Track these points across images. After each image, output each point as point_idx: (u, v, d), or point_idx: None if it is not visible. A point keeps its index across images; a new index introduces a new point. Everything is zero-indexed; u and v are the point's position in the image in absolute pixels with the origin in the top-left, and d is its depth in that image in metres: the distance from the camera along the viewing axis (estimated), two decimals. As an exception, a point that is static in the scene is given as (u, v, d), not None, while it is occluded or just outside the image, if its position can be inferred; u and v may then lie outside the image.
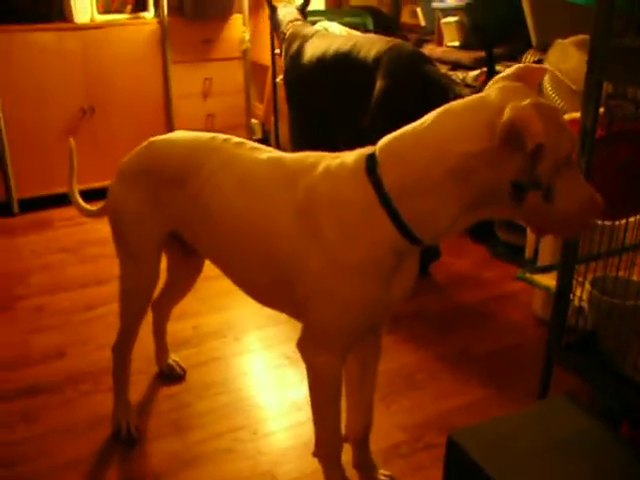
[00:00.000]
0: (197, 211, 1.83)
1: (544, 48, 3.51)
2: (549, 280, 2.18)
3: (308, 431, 2.07)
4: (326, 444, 1.84)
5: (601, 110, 1.90)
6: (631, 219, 2.11)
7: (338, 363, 1.70)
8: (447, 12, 4.04)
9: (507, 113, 1.28)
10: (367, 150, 1.56)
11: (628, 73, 1.68)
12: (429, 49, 4.30)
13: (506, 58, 3.78)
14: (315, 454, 1.87)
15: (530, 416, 1.78)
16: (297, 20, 3.65)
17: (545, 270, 2.25)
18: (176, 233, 2.01)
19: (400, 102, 2.72)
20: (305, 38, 3.40)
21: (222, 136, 1.90)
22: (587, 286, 1.99)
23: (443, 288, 3.22)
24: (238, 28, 4.77)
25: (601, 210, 1.42)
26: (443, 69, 3.94)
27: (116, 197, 2.02)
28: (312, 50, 3.29)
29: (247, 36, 4.81)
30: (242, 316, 2.94)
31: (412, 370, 2.55)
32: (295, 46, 3.43)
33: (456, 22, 3.95)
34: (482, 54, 3.80)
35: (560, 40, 3.29)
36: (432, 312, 2.99)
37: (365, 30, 4.50)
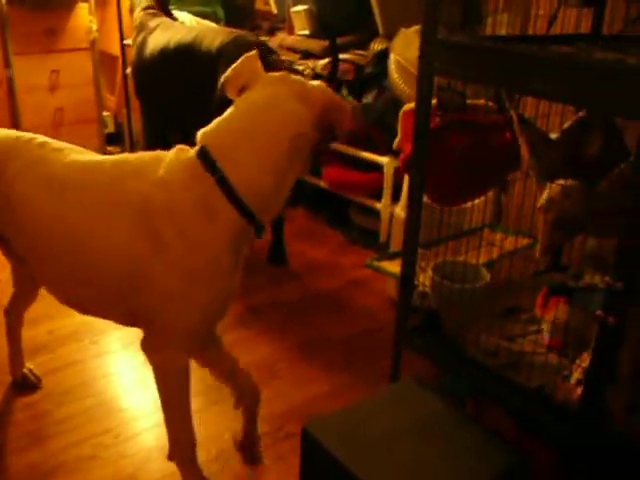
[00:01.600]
0: (9, 213, 1.76)
1: (390, 37, 3.60)
2: (396, 267, 2.25)
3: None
4: (180, 445, 1.85)
5: (434, 102, 1.98)
6: (468, 204, 2.21)
7: (185, 358, 1.74)
8: (297, 0, 4.05)
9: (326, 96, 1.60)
10: (186, 149, 1.63)
11: (454, 68, 1.75)
12: (280, 37, 4.31)
13: (354, 46, 3.86)
14: (170, 457, 1.86)
15: (380, 401, 1.85)
16: (149, 8, 3.55)
17: (391, 257, 2.33)
18: None
19: None
20: (150, 30, 3.33)
21: (27, 135, 1.83)
22: (429, 271, 2.07)
23: (300, 276, 3.26)
24: (84, 17, 4.60)
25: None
26: (294, 58, 3.97)
27: None
28: (154, 43, 3.23)
29: (94, 26, 4.66)
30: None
31: (271, 361, 2.58)
32: (140, 38, 3.36)
33: (305, 11, 3.98)
34: (331, 43, 3.86)
35: (404, 29, 3.39)
36: (289, 301, 3.03)
37: (216, 19, 4.45)
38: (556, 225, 1.80)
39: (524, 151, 1.89)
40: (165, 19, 3.51)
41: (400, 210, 2.87)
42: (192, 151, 1.61)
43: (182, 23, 4.02)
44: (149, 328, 1.71)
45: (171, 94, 3.20)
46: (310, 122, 1.57)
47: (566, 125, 2.01)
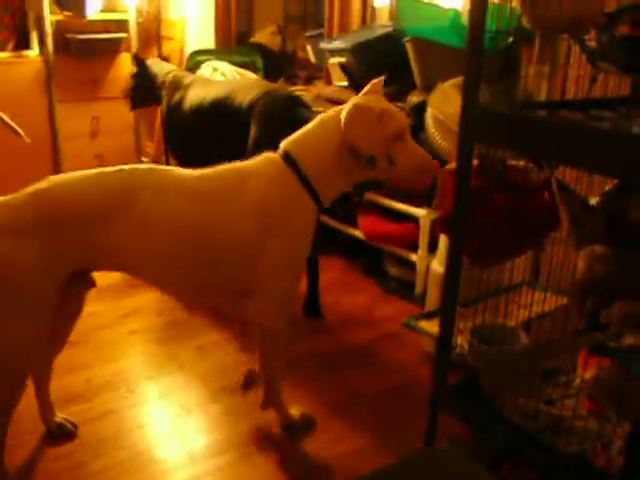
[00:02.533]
0: (134, 239, 2.00)
1: (427, 89, 3.65)
2: (434, 326, 2.25)
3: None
4: (274, 391, 2.39)
5: (475, 162, 2.00)
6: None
7: (286, 321, 2.25)
8: (334, 53, 4.13)
9: (342, 115, 2.00)
10: (270, 155, 2.14)
11: (493, 136, 1.78)
12: (319, 87, 4.38)
13: (393, 99, 3.90)
14: (264, 406, 2.42)
15: (414, 465, 1.82)
16: (174, 70, 3.65)
17: (429, 316, 2.33)
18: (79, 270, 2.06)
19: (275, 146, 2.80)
20: (187, 87, 3.38)
21: (127, 167, 2.08)
22: (467, 334, 2.07)
23: (334, 328, 3.26)
24: (126, 66, 4.71)
25: (434, 169, 2.13)
26: (331, 109, 4.02)
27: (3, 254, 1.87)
28: (191, 100, 3.28)
29: (136, 74, 4.76)
30: (134, 366, 2.90)
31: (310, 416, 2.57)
32: (178, 96, 3.39)
33: (343, 63, 4.04)
34: (369, 94, 3.91)
35: (441, 84, 3.43)
36: (323, 353, 3.02)
37: (255, 69, 4.54)
38: (587, 289, 1.80)
39: (564, 217, 1.89)
40: (199, 75, 3.58)
41: (437, 264, 2.87)
42: (276, 155, 2.12)
43: (221, 75, 4.12)
44: (261, 300, 2.15)
45: (205, 150, 3.25)
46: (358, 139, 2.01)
47: (606, 189, 2.01)
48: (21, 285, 1.90)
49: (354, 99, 2.08)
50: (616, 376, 1.91)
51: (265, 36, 5.02)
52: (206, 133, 3.20)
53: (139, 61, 3.77)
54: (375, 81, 2.17)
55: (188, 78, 3.48)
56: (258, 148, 2.43)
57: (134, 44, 4.75)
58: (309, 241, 2.17)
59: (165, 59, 3.96)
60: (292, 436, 2.43)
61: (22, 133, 2.66)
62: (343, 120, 1.99)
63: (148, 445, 2.41)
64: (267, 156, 2.14)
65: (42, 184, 1.98)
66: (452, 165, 2.30)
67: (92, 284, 2.22)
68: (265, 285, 2.12)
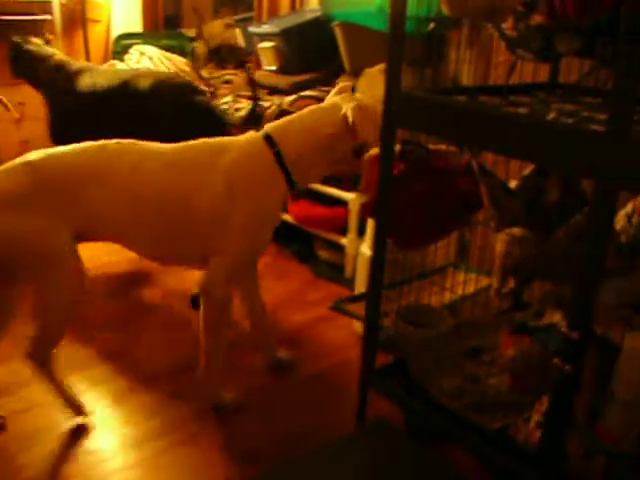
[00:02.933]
0: (120, 201, 2.19)
1: (356, 73, 3.68)
2: (363, 309, 2.27)
3: (140, 474, 2.12)
4: (212, 369, 2.43)
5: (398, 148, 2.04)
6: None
7: (231, 291, 2.36)
8: (263, 37, 4.11)
9: (349, 115, 2.19)
10: (255, 134, 2.31)
11: (416, 122, 1.81)
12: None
13: (322, 83, 3.93)
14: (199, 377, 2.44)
15: (346, 445, 1.87)
16: (57, 54, 3.58)
17: (357, 299, 2.36)
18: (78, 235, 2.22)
19: (175, 129, 2.89)
20: (76, 74, 3.36)
21: (111, 141, 2.26)
22: (393, 316, 2.11)
23: (267, 313, 3.26)
24: (51, 50, 4.60)
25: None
26: (262, 93, 4.02)
27: (10, 221, 2.07)
28: (83, 87, 3.28)
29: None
30: (62, 357, 2.84)
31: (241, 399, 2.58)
32: (66, 82, 3.36)
33: (272, 47, 4.03)
34: (298, 79, 3.92)
35: (369, 68, 3.46)
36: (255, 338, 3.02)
37: (184, 53, 4.49)
38: (508, 271, 1.86)
39: (485, 200, 1.94)
40: (85, 63, 3.59)
41: (365, 248, 2.91)
42: (259, 134, 2.29)
43: (148, 59, 4.08)
44: (213, 264, 2.27)
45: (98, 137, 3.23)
46: (343, 130, 2.22)
47: (525, 172, 2.08)
48: (35, 244, 2.12)
49: (347, 99, 2.29)
50: (535, 353, 1.98)
51: (217, 27, 4.95)
52: (101, 119, 3.21)
53: (15, 45, 3.64)
54: (342, 85, 2.46)
55: (75, 65, 3.44)
56: (160, 134, 2.46)
57: (58, 26, 4.63)
58: (273, 218, 2.37)
59: (48, 42, 3.82)
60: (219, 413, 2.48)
61: (12, 108, 2.80)
62: (353, 119, 2.18)
63: (78, 436, 2.39)
64: (249, 134, 2.33)
65: (30, 156, 2.15)
66: (377, 150, 2.34)
67: None
68: (219, 249, 2.26)
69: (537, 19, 1.72)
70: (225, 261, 2.28)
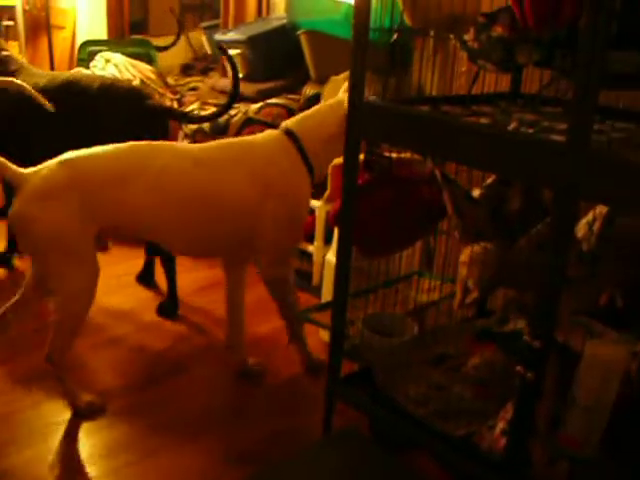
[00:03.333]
0: (150, 199, 2.27)
1: (321, 81, 3.69)
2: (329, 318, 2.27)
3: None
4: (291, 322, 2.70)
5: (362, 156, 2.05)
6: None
7: (290, 269, 2.58)
8: (230, 44, 4.10)
9: None
10: (274, 131, 2.49)
11: (379, 132, 1.83)
12: (214, 79, 4.36)
13: (287, 90, 3.93)
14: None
15: (313, 454, 1.87)
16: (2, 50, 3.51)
17: (323, 308, 2.36)
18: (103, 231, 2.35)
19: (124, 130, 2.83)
20: (14, 73, 3.30)
21: (142, 143, 2.38)
22: (359, 324, 2.12)
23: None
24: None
25: None
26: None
27: (43, 215, 2.19)
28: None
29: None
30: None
31: (208, 409, 2.56)
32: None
33: (239, 54, 4.03)
34: (264, 86, 3.92)
35: (335, 76, 3.47)
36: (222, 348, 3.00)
37: (150, 60, 4.47)
38: (473, 283, 1.88)
39: (448, 209, 1.96)
40: (25, 62, 3.55)
41: (331, 256, 2.92)
42: (277, 132, 2.46)
43: (114, 67, 4.05)
44: (265, 254, 2.48)
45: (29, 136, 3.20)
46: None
47: (488, 181, 2.10)
48: (63, 237, 2.23)
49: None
50: (498, 361, 2.00)
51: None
52: (42, 118, 3.12)
53: None
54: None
55: (14, 64, 3.40)
56: (107, 137, 2.45)
57: (21, 33, 4.58)
58: (306, 207, 2.55)
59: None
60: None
61: (46, 103, 3.02)
62: None
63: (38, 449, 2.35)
64: (270, 132, 2.50)
65: (67, 156, 2.26)
66: (340, 160, 2.35)
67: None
68: (268, 241, 2.42)
69: (498, 31, 1.74)
70: (275, 251, 2.48)
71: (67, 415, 2.47)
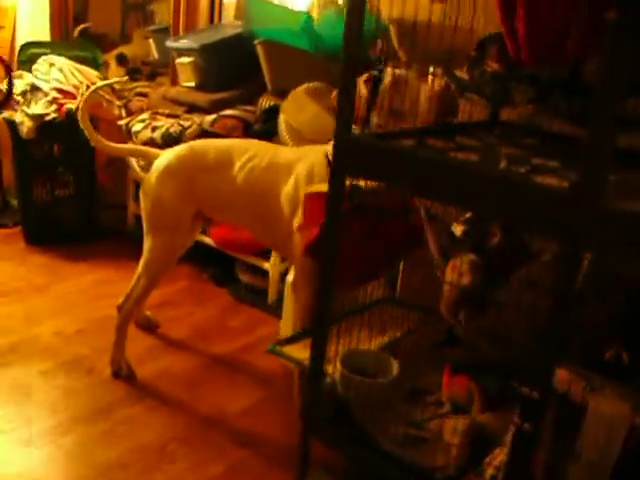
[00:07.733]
0: (229, 187, 2.58)
1: (278, 92, 3.60)
2: (300, 351, 2.19)
3: None
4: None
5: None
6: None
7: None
8: (182, 52, 3.96)
9: None
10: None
11: (368, 170, 1.76)
12: (165, 88, 4.20)
13: (242, 101, 3.82)
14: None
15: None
16: None
17: (292, 340, 2.27)
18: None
19: None
20: None
21: (248, 140, 2.85)
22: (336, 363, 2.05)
23: (187, 343, 3.14)
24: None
25: None
26: (179, 111, 3.88)
27: (160, 186, 2.65)
28: None
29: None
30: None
31: (163, 441, 2.44)
32: None
33: (191, 63, 3.89)
34: (218, 96, 3.80)
35: (294, 90, 3.38)
36: (179, 371, 2.89)
37: (96, 64, 4.29)
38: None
39: (433, 249, 1.90)
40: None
41: (291, 276, 2.83)
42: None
43: (58, 71, 3.88)
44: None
45: None
46: None
47: (468, 215, 2.05)
48: (168, 206, 2.66)
49: None
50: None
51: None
52: None
53: None
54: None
55: None
56: None
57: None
58: None
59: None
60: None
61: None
62: None
63: None
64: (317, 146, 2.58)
65: (192, 143, 2.81)
66: (315, 187, 2.27)
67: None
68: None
69: (493, 66, 1.69)
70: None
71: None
